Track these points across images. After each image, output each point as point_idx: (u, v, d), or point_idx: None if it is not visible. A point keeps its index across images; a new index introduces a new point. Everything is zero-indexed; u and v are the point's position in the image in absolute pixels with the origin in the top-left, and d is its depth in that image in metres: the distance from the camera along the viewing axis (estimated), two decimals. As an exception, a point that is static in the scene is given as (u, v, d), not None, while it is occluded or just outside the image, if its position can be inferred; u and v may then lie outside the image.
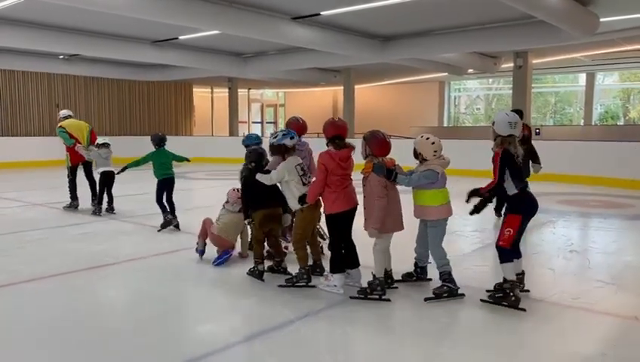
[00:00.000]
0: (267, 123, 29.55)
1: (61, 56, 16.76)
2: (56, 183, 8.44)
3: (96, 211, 7.93)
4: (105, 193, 7.96)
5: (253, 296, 4.36)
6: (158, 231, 6.61)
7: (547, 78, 23.65)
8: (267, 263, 4.78)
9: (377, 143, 4.16)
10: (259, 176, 4.46)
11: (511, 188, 4.01)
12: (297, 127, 5.23)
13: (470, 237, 6.49)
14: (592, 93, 20.94)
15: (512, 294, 3.99)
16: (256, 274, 4.64)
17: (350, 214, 4.26)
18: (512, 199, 4.05)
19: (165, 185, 6.73)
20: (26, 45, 13.03)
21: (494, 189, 4.03)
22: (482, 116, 25.47)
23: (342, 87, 19.87)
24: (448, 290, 4.16)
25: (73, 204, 8.33)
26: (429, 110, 24.21)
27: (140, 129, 21.55)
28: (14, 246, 6.08)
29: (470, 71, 18.08)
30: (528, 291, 4.26)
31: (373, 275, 4.21)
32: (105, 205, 8.00)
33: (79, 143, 8.19)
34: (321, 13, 10.85)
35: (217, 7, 10.03)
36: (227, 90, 22.85)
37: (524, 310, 3.91)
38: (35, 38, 12.54)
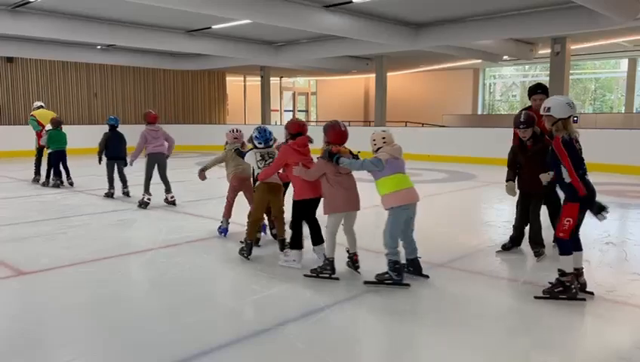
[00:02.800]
0: (299, 111, 29.62)
1: (99, 47, 17.16)
2: (95, 171, 8.73)
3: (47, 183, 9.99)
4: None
5: (285, 282, 4.45)
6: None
7: (587, 63, 22.92)
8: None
9: (333, 133, 4.49)
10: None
11: (569, 175, 3.87)
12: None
13: (502, 228, 6.43)
14: (634, 80, 20.22)
15: (572, 287, 3.93)
16: (245, 251, 5.05)
17: (314, 202, 4.73)
18: (570, 186, 3.89)
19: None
20: (66, 36, 13.38)
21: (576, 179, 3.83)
22: (518, 103, 24.88)
23: (374, 75, 19.72)
24: (389, 278, 4.25)
25: (35, 179, 10.48)
26: (463, 98, 23.84)
27: (174, 117, 21.96)
28: (58, 231, 6.34)
29: (506, 57, 17.68)
30: (592, 294, 4.03)
31: (323, 255, 4.54)
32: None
33: (45, 130, 10.21)
34: (353, 0, 10.79)
35: (250, -4, 10.10)
36: (259, 78, 23.00)
37: (584, 299, 3.91)
38: (75, 29, 12.87)
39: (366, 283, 4.35)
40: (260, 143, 5.18)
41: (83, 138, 17.93)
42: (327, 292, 4.15)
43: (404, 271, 4.36)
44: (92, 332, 3.50)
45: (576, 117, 16.00)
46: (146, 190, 7.67)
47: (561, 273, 3.97)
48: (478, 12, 11.96)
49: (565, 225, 3.88)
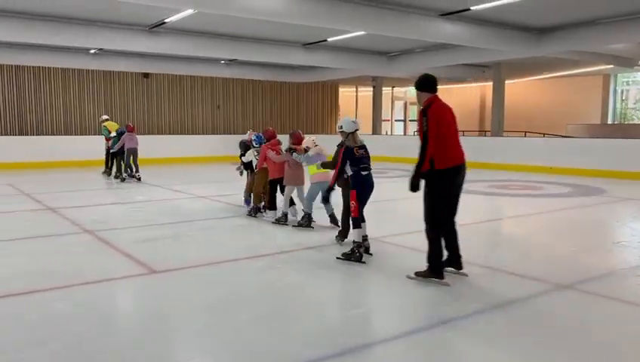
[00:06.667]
0: (410, 121, 29.30)
1: (222, 62, 18.36)
2: (216, 178, 9.33)
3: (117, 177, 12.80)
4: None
5: (383, 286, 4.41)
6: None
7: None
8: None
9: (295, 137, 7.07)
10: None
11: None
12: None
13: (638, 249, 5.85)
14: None
15: None
16: (252, 212, 7.79)
17: (280, 180, 7.28)
18: None
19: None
20: (194, 52, 14.48)
21: None
22: (655, 112, 22.55)
23: (490, 83, 18.98)
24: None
25: (106, 172, 13.60)
26: (590, 106, 22.09)
27: (289, 127, 22.78)
28: (185, 233, 6.85)
29: (642, 62, 16.15)
30: None
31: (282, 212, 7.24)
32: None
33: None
34: (471, 8, 10.50)
35: (365, 8, 10.23)
36: (371, 88, 23.13)
37: None
38: (202, 46, 13.92)
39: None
40: (256, 144, 7.85)
41: (208, 147, 19.37)
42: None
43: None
44: (214, 332, 3.71)
45: None
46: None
47: None
48: (610, 14, 11.08)
49: None
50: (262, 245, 6.20)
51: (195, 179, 13.39)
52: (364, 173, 5.36)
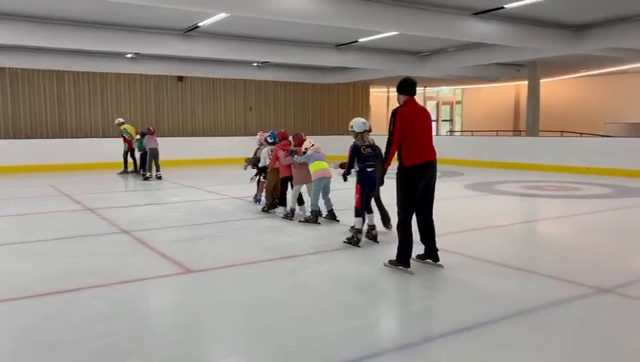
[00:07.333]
0: (442, 121, 28.98)
1: (254, 64, 18.56)
2: (248, 179, 9.43)
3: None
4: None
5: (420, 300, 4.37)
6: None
7: None
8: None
9: (296, 139, 7.70)
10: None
11: None
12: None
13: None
14: None
15: None
16: (265, 208, 8.35)
17: (289, 178, 7.80)
18: None
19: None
20: (227, 55, 14.69)
21: None
22: (701, 110, 21.69)
23: (525, 82, 18.61)
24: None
25: (126, 171, 14.87)
26: (632, 104, 21.41)
27: (320, 128, 22.84)
28: (219, 233, 6.96)
29: (687, 58, 15.56)
30: None
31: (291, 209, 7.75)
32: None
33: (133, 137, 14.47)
34: (505, 6, 10.32)
35: (397, 8, 10.19)
36: (403, 89, 22.95)
37: None
38: (235, 49, 14.11)
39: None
40: (271, 140, 8.36)
41: (241, 148, 19.50)
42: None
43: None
44: (248, 331, 3.74)
45: None
46: None
47: None
48: (654, 8, 10.72)
49: None
50: (294, 245, 6.24)
51: (227, 180, 13.55)
52: (369, 169, 5.96)
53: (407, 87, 5.00)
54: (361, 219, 6.03)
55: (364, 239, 6.11)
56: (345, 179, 6.25)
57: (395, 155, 4.92)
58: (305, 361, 3.24)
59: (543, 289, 4.54)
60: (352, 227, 6.16)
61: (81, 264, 5.47)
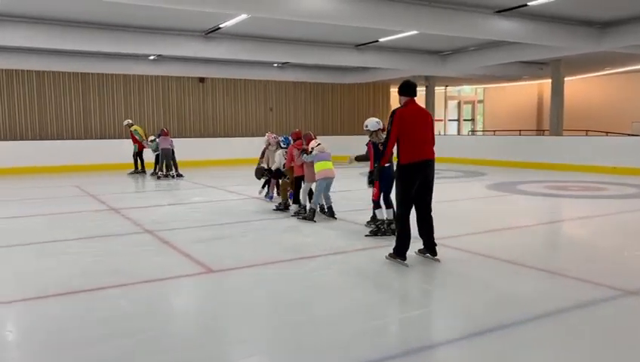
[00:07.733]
0: (464, 120, 28.69)
1: (275, 65, 18.63)
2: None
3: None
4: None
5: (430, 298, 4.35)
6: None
7: None
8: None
9: (307, 139, 7.98)
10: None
11: None
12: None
13: None
14: None
15: None
16: (281, 207, 8.53)
17: (303, 177, 8.00)
18: None
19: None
20: (248, 56, 14.79)
21: None
22: None
23: (548, 80, 18.32)
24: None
25: (137, 172, 15.20)
26: (658, 102, 20.94)
27: (340, 128, 22.83)
28: (240, 233, 7.00)
29: None
30: None
31: (304, 207, 7.92)
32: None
33: (144, 139, 15.13)
34: (528, 3, 10.19)
35: (418, 7, 10.14)
36: (424, 88, 22.83)
37: None
38: (255, 50, 14.19)
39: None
40: (284, 145, 8.80)
41: (261, 149, 19.60)
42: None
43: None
44: (270, 331, 3.77)
45: None
46: None
47: None
48: (682, 4, 10.47)
49: None
50: (314, 246, 6.25)
51: (248, 181, 13.61)
52: (386, 164, 6.10)
53: (407, 89, 5.27)
54: (381, 209, 6.48)
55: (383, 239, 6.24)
56: (371, 184, 6.15)
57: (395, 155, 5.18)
58: None
59: (567, 290, 4.47)
60: (371, 219, 6.75)
61: (104, 263, 5.56)
